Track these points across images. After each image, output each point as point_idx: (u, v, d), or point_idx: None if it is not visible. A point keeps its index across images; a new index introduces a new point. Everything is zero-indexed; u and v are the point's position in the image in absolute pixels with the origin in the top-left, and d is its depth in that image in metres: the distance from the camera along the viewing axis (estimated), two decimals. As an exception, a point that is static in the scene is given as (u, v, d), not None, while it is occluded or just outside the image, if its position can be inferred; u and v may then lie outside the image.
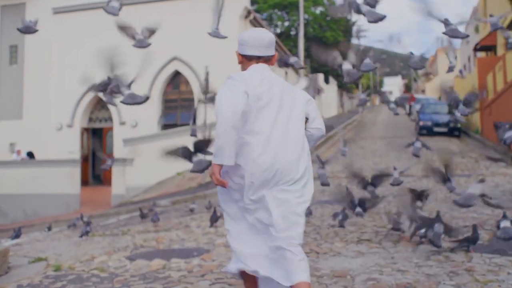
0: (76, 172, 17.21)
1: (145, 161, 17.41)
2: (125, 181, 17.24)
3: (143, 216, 8.35)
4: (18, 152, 19.34)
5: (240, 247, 2.93)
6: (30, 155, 19.27)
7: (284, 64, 5.78)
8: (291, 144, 2.87)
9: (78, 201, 17.15)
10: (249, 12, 22.00)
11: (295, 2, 51.55)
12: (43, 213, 17.11)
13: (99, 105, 23.42)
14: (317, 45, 6.33)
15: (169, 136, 17.93)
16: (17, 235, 10.72)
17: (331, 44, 53.37)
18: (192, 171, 4.63)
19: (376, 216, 7.42)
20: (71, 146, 22.77)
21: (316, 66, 49.45)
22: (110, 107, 22.47)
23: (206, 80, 15.84)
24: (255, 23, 23.25)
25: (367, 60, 5.23)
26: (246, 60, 3.06)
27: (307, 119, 3.07)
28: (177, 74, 22.14)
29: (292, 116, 2.92)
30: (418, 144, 6.39)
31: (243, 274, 3.01)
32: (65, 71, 23.25)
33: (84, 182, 22.86)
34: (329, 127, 7.74)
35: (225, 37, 4.77)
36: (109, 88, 4.73)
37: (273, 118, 2.86)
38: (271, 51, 3.04)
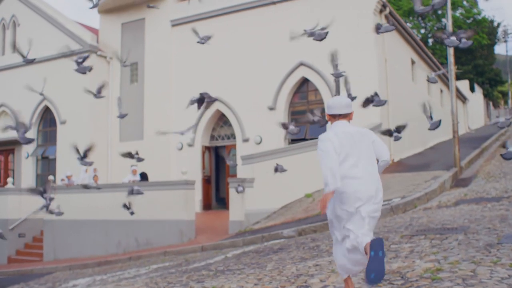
0: (190, 195, 15.05)
1: (267, 180, 14.83)
2: (244, 204, 14.72)
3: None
4: (134, 172, 17.70)
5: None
6: (143, 176, 17.54)
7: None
8: (373, 178, 4.13)
9: (193, 228, 14.94)
10: (383, 6, 18.82)
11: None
12: (156, 242, 15.14)
13: (221, 121, 21.45)
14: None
15: (295, 150, 15.22)
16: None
17: (475, 48, 48.32)
18: None
19: None
20: (193, 166, 20.96)
21: (458, 74, 44.46)
22: (233, 123, 20.40)
23: (337, 81, 12.96)
24: (391, 18, 19.98)
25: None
26: (332, 117, 4.33)
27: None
28: (304, 82, 19.48)
29: (369, 154, 4.18)
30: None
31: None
32: (184, 86, 21.64)
33: (207, 206, 20.92)
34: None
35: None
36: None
37: (355, 157, 4.10)
38: (348, 110, 4.29)
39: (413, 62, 23.28)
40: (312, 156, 15.34)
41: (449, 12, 16.91)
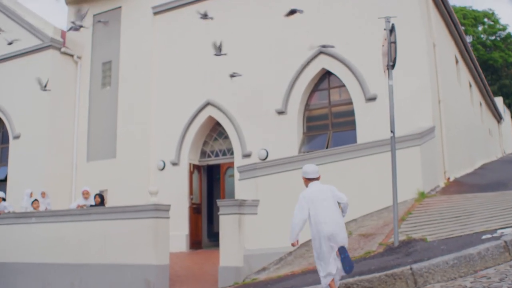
0: (162, 227, 10.01)
1: (278, 203, 9.84)
2: (242, 241, 9.64)
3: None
4: (85, 194, 12.69)
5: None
6: (100, 199, 12.49)
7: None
8: (335, 219, 5.99)
9: (166, 278, 9.82)
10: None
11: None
12: (111, 298, 10.06)
13: (215, 132, 16.55)
14: None
15: (318, 159, 10.23)
16: None
17: (500, 67, 43.94)
18: None
19: None
20: (178, 190, 16.02)
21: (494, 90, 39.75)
22: (230, 134, 15.53)
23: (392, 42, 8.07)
24: (440, 6, 15.35)
25: None
26: (308, 180, 6.30)
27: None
28: (325, 76, 14.65)
29: (332, 205, 6.06)
30: None
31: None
32: (168, 90, 16.89)
33: (196, 244, 15.92)
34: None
35: None
36: None
37: (322, 209, 5.99)
38: (318, 174, 6.33)
39: (456, 61, 18.49)
40: (344, 167, 10.44)
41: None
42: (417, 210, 9.76)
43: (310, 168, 6.32)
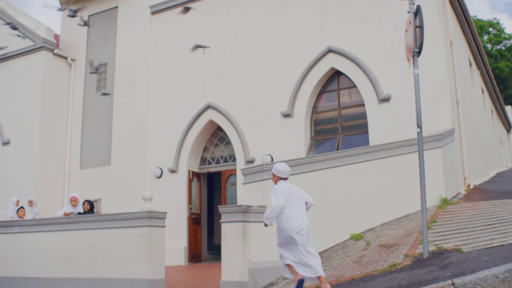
0: (157, 236, 8.98)
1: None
2: (247, 253, 8.58)
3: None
4: (73, 201, 11.59)
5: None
6: (89, 206, 11.35)
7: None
8: (303, 216, 6.45)
9: (161, 293, 8.83)
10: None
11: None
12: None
13: (216, 137, 15.56)
14: None
15: (331, 161, 9.25)
16: None
17: (507, 76, 43.00)
18: None
19: None
20: (176, 199, 15.01)
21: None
22: (233, 139, 14.55)
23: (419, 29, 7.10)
24: (455, 3, 14.42)
25: None
26: (279, 178, 6.64)
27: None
28: (334, 76, 13.68)
29: (301, 202, 6.56)
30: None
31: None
32: (166, 93, 15.94)
33: (195, 257, 14.84)
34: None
35: None
36: None
37: (293, 205, 6.44)
38: (289, 175, 6.69)
39: (470, 64, 17.53)
40: (361, 170, 9.43)
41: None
42: (441, 218, 8.73)
43: (284, 168, 6.71)
